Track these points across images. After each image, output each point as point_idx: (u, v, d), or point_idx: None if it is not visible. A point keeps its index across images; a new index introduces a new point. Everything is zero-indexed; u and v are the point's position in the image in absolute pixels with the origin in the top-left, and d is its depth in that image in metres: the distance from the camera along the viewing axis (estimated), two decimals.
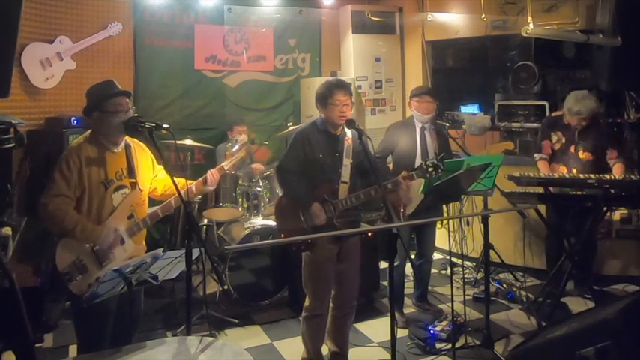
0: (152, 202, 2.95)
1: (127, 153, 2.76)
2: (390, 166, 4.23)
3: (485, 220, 3.66)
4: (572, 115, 4.20)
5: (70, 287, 2.56)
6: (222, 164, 3.04)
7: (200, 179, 2.92)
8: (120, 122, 2.62)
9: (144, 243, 2.88)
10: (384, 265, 4.66)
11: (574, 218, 4.26)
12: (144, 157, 2.87)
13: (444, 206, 3.85)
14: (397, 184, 3.11)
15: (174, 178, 2.51)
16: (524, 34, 4.04)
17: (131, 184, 2.73)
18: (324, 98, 3.15)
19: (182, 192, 2.50)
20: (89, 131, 2.72)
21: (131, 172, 2.74)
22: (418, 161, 3.92)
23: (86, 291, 2.48)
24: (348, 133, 3.22)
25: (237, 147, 3.16)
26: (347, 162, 3.19)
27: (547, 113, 5.41)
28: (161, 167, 2.95)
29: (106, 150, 2.68)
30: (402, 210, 3.85)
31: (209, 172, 2.95)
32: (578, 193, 3.89)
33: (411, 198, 3.56)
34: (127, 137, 2.75)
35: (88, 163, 2.60)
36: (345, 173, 3.18)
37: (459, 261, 4.47)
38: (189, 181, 2.79)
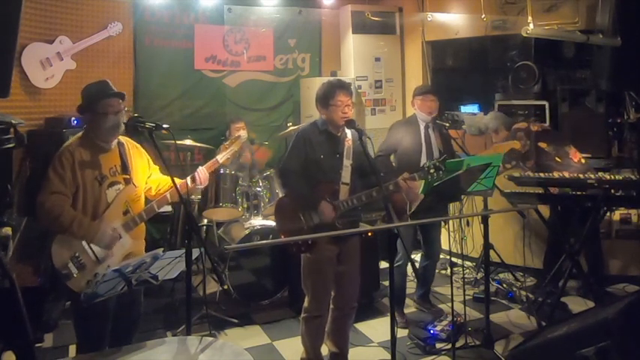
0: (149, 202, 2.94)
1: (120, 150, 2.78)
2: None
3: (485, 220, 3.66)
4: None
5: (69, 284, 2.57)
6: (217, 157, 3.04)
7: (188, 177, 2.88)
8: (111, 124, 2.63)
9: (143, 239, 2.89)
10: (384, 265, 4.66)
11: (574, 218, 4.26)
12: (138, 155, 2.88)
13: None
14: (398, 186, 3.11)
15: (170, 176, 2.51)
16: (524, 34, 4.03)
17: (125, 180, 2.75)
18: (325, 99, 3.14)
19: (174, 190, 2.49)
20: (82, 131, 2.74)
21: (125, 168, 2.76)
22: (423, 160, 3.89)
23: (85, 288, 2.48)
24: (348, 134, 3.22)
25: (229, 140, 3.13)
26: (347, 163, 3.19)
27: (547, 113, 5.41)
28: (156, 167, 2.95)
29: (99, 148, 2.70)
30: (406, 208, 3.83)
31: (198, 169, 2.91)
32: (578, 193, 3.89)
33: (416, 197, 3.54)
34: (119, 136, 2.76)
35: (81, 160, 2.62)
36: (346, 174, 3.18)
37: (459, 261, 4.47)
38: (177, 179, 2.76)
